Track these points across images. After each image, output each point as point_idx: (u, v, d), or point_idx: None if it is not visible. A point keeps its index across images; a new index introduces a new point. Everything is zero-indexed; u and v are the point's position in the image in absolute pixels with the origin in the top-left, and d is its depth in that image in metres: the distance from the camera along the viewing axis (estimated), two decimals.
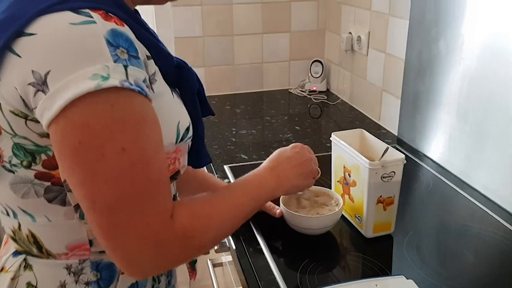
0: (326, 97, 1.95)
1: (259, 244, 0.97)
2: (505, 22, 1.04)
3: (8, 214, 0.68)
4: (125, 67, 0.55)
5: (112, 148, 0.55)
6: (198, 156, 0.80)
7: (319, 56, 2.05)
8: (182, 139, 0.70)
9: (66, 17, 0.54)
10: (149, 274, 0.71)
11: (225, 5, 1.89)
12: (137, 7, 0.72)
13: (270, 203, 1.01)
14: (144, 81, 0.58)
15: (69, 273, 0.68)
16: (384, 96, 1.61)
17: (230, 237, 1.01)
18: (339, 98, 1.93)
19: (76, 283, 0.69)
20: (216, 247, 1.10)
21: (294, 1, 1.96)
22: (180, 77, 0.73)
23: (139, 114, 0.57)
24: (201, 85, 0.80)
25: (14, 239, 0.70)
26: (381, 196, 0.94)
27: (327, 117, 1.79)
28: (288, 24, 2.00)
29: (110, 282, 0.71)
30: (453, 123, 1.25)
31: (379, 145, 0.99)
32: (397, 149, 1.14)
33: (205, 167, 0.99)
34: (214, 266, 1.27)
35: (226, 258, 1.24)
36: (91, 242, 0.68)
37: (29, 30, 0.54)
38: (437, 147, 1.33)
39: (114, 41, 0.55)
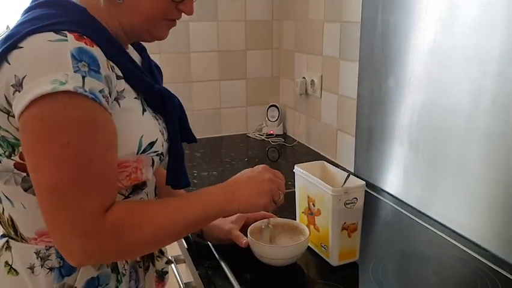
0: (283, 140, 2.01)
1: (227, 276, 0.96)
2: (447, 56, 1.13)
3: None
4: (83, 77, 0.67)
5: (58, 140, 0.66)
6: (175, 176, 0.87)
7: (275, 101, 2.12)
8: (144, 151, 0.78)
9: (47, 35, 0.67)
10: (84, 262, 0.75)
11: (183, 53, 1.94)
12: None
13: (238, 233, 1.01)
14: (101, 91, 0.69)
15: (37, 257, 0.77)
16: (339, 135, 1.68)
17: (197, 271, 1.00)
18: (296, 140, 1.99)
19: (41, 267, 0.77)
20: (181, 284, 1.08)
21: (250, 50, 2.05)
22: (162, 102, 0.84)
23: (89, 116, 0.68)
24: (183, 112, 0.91)
25: (0, 222, 0.80)
26: (345, 223, 0.96)
27: (286, 159, 1.83)
28: (244, 71, 2.07)
29: (71, 271, 0.78)
30: (406, 155, 1.31)
31: (340, 174, 1.03)
32: None
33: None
34: None
35: None
36: None
37: (20, 44, 0.67)
38: (393, 180, 1.39)
39: (78, 56, 0.67)
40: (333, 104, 1.69)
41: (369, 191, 1.40)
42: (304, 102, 1.92)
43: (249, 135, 2.08)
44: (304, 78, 1.87)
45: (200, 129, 2.01)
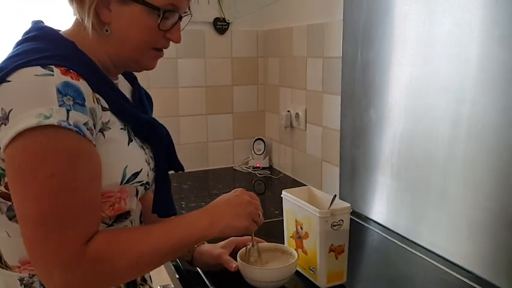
0: (270, 172, 2.05)
1: None
2: (424, 86, 1.20)
3: None
4: (68, 111, 0.69)
5: (43, 172, 0.67)
6: (161, 205, 0.87)
7: (260, 134, 2.17)
8: (128, 181, 0.79)
9: (34, 70, 0.69)
10: None
11: (171, 88, 2.00)
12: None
13: (227, 258, 1.02)
14: (85, 124, 0.71)
15: (21, 284, 0.78)
16: (324, 165, 1.72)
17: None
18: (282, 173, 2.03)
19: None
20: None
21: (236, 85, 2.12)
22: (149, 132, 0.86)
23: (73, 149, 0.69)
24: (171, 142, 0.93)
25: None
26: (332, 245, 0.99)
27: (272, 191, 1.86)
28: (231, 106, 2.13)
29: None
30: (389, 183, 1.36)
31: (326, 198, 1.07)
32: None
33: None
34: None
35: None
36: None
37: (8, 78, 0.69)
38: (377, 208, 1.43)
39: (63, 90, 0.69)
40: (318, 135, 1.75)
41: (355, 219, 1.43)
42: (289, 135, 1.97)
43: (236, 168, 2.12)
44: (289, 111, 1.93)
45: (187, 162, 2.03)
